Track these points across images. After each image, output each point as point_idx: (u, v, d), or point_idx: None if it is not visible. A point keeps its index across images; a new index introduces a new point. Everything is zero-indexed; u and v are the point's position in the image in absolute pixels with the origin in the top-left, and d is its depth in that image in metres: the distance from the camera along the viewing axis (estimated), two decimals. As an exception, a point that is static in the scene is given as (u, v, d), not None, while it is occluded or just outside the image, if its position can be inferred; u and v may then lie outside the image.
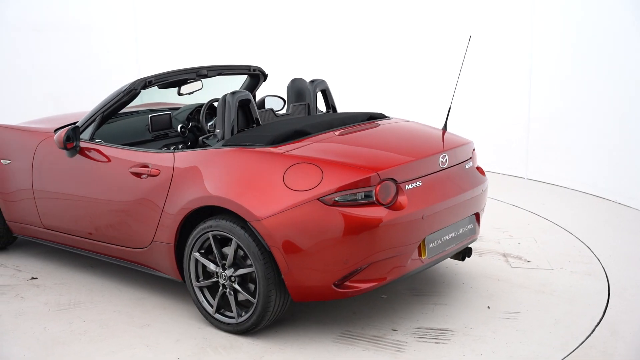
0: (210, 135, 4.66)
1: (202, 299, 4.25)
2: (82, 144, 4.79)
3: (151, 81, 4.77)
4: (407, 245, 3.93)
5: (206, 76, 5.18)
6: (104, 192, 4.64)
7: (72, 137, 4.71)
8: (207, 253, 4.21)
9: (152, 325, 4.29)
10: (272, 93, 5.61)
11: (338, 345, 4.00)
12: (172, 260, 4.36)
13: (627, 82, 6.76)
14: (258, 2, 9.79)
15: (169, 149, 5.02)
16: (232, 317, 4.13)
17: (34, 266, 5.32)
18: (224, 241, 4.12)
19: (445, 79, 7.58)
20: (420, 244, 4.03)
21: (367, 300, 4.56)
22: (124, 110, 5.74)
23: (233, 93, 4.45)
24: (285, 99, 5.34)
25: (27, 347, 4.04)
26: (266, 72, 5.71)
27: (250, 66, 5.57)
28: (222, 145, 4.28)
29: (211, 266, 4.15)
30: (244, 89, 5.84)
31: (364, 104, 8.45)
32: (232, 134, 4.40)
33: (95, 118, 4.80)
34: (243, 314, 4.08)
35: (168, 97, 5.83)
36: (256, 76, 5.72)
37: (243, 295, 4.07)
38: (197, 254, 4.19)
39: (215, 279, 4.16)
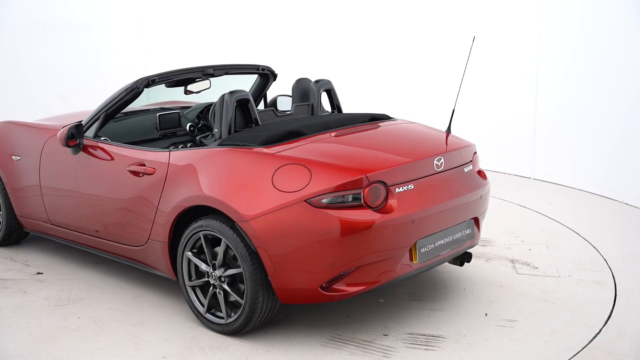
0: (209, 135, 4.66)
1: (194, 298, 4.25)
2: (85, 142, 4.84)
3: (154, 80, 4.79)
4: (396, 249, 3.86)
5: (213, 75, 5.18)
6: (104, 189, 4.67)
7: (74, 135, 4.76)
8: (200, 253, 4.20)
9: (144, 324, 4.31)
10: (283, 93, 5.60)
11: (325, 348, 3.95)
12: (166, 259, 4.37)
13: (633, 82, 6.66)
14: (268, 3, 9.80)
15: (177, 147, 5.03)
16: (222, 318, 4.11)
17: (41, 261, 5.40)
18: (215, 241, 4.11)
19: (454, 80, 7.33)
20: (411, 249, 3.95)
21: (362, 304, 4.50)
22: (136, 108, 5.81)
23: (231, 92, 4.44)
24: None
25: (19, 341, 4.09)
26: (276, 72, 5.68)
27: (259, 66, 5.55)
28: (218, 145, 4.27)
29: (202, 266, 4.14)
30: (255, 88, 5.83)
31: (372, 105, 8.42)
32: (229, 133, 4.39)
33: (99, 116, 4.85)
34: (232, 314, 4.06)
35: (184, 96, 5.84)
36: (266, 76, 5.70)
37: (232, 296, 4.05)
38: (189, 254, 4.19)
39: (206, 279, 4.15)
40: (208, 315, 4.18)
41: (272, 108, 4.93)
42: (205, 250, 4.10)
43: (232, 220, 3.93)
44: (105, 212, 4.69)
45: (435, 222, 4.04)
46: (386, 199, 3.84)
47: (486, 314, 4.35)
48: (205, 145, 4.52)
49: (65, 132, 4.74)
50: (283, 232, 3.76)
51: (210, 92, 5.67)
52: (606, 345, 3.92)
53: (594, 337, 4.03)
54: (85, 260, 5.39)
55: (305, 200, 3.74)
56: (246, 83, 5.85)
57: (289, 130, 4.25)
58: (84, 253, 5.49)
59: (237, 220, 3.87)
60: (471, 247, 4.48)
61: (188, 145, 4.96)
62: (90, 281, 4.99)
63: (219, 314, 4.16)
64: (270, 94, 5.88)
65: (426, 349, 3.93)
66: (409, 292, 4.69)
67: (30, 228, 5.47)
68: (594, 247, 5.52)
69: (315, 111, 5.05)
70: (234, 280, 4.06)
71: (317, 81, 5.07)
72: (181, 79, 5.05)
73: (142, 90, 4.75)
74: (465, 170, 4.35)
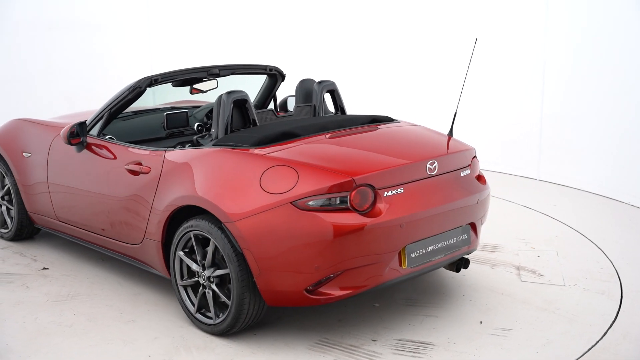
0: (206, 135, 4.67)
1: (185, 297, 4.26)
2: (89, 140, 4.89)
3: (157, 79, 4.82)
4: (383, 253, 3.80)
5: (218, 75, 5.18)
6: (104, 187, 4.72)
7: (78, 133, 4.81)
8: (191, 252, 4.21)
9: (136, 322, 4.33)
10: (293, 94, 5.57)
11: (311, 352, 3.92)
12: (160, 258, 4.39)
13: (639, 83, 6.61)
14: (277, 4, 9.82)
15: (184, 147, 5.05)
16: (211, 318, 4.11)
17: (49, 257, 5.48)
18: (205, 241, 4.11)
19: (461, 82, 7.37)
20: (400, 253, 3.89)
21: (357, 308, 4.45)
22: (147, 107, 5.87)
23: (229, 93, 4.44)
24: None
25: (12, 335, 4.16)
26: (284, 73, 5.66)
27: (266, 66, 5.54)
28: (212, 145, 4.27)
29: (193, 266, 4.14)
30: (264, 89, 5.83)
31: (379, 107, 8.42)
32: (225, 133, 4.38)
33: (103, 115, 4.89)
34: (221, 315, 4.05)
35: (198, 96, 5.86)
36: (274, 76, 5.69)
37: (221, 297, 4.04)
38: (181, 253, 4.20)
39: (196, 279, 4.16)
40: (198, 315, 4.18)
41: (272, 109, 4.91)
42: (196, 250, 4.11)
43: (220, 221, 3.92)
44: (105, 209, 4.74)
45: (426, 226, 3.97)
46: (374, 202, 3.78)
47: (481, 322, 4.26)
48: (202, 145, 4.53)
49: (67, 130, 4.80)
50: (268, 233, 3.74)
51: (219, 91, 5.68)
52: (612, 347, 3.85)
53: (588, 350, 3.91)
54: (91, 257, 5.45)
55: (291, 202, 3.71)
56: (255, 83, 5.85)
57: (282, 132, 4.23)
58: (90, 250, 5.55)
59: (223, 221, 3.86)
60: (468, 253, 4.39)
61: (187, 146, 4.97)
62: (92, 278, 5.05)
63: (209, 314, 4.16)
64: (280, 95, 5.86)
65: (413, 356, 3.86)
66: (406, 297, 4.62)
67: (40, 224, 5.55)
68: (605, 255, 5.36)
69: (318, 112, 5.01)
70: (223, 281, 4.05)
71: (320, 82, 5.04)
72: (187, 78, 5.07)
73: (145, 90, 4.78)
74: (462, 175, 4.26)
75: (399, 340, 4.04)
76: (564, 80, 7.52)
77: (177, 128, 5.37)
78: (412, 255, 3.92)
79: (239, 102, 4.45)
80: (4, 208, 5.81)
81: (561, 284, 4.83)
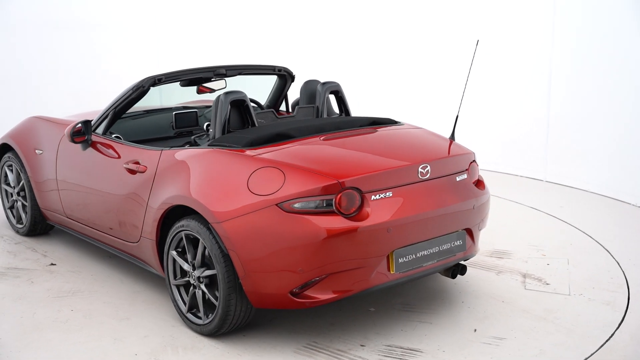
0: (204, 135, 4.67)
1: (177, 297, 4.27)
2: (94, 138, 4.95)
3: (161, 79, 4.85)
4: (370, 258, 3.75)
5: (225, 75, 5.19)
6: (106, 185, 4.77)
7: (82, 131, 4.87)
8: (184, 252, 4.22)
9: (130, 319, 4.36)
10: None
11: (297, 355, 3.89)
12: (155, 257, 4.41)
13: None
14: (289, 6, 9.85)
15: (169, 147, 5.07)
16: (201, 318, 4.11)
17: (59, 253, 5.56)
18: (196, 241, 4.11)
19: (470, 84, 7.51)
20: (388, 258, 3.83)
21: (351, 312, 4.40)
22: (159, 107, 5.91)
23: (227, 93, 4.43)
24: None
25: (8, 330, 4.23)
26: (293, 74, 5.64)
27: (275, 67, 5.53)
28: (207, 145, 4.28)
29: (184, 265, 4.15)
30: (274, 90, 5.82)
31: (389, 109, 8.46)
32: (222, 134, 4.38)
33: (108, 114, 4.95)
34: (209, 315, 4.05)
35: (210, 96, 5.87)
36: (283, 77, 5.67)
37: (210, 297, 4.04)
38: (173, 253, 4.21)
39: (188, 278, 4.17)
40: (189, 315, 4.19)
41: (272, 109, 4.89)
42: (187, 250, 4.12)
43: (207, 221, 3.92)
44: (107, 207, 4.79)
45: (416, 231, 3.89)
46: (361, 206, 3.73)
47: (475, 330, 4.17)
48: (199, 145, 4.54)
49: (70, 128, 4.87)
50: (253, 235, 3.73)
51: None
52: (620, 349, 3.77)
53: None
54: (98, 254, 5.51)
55: (276, 204, 3.69)
56: (268, 84, 5.85)
57: (276, 133, 4.21)
58: (98, 247, 5.60)
59: (210, 222, 3.86)
60: (465, 259, 4.30)
61: (186, 146, 4.99)
62: (96, 274, 5.10)
63: (199, 314, 4.16)
64: (292, 96, 5.84)
65: (398, 363, 3.80)
66: (403, 302, 4.56)
67: (51, 220, 5.65)
68: (618, 264, 5.20)
69: (321, 113, 4.97)
70: (213, 282, 4.04)
71: (324, 83, 5.00)
72: (195, 78, 5.09)
73: (148, 89, 4.81)
74: (457, 179, 4.18)
75: (388, 346, 3.98)
76: (570, 81, 7.52)
77: (186, 128, 5.39)
78: (400, 260, 3.86)
79: (237, 102, 4.44)
80: (19, 204, 5.92)
81: (566, 293, 4.69)
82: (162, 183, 4.25)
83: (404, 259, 3.87)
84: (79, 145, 5.03)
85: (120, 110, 4.93)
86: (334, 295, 3.77)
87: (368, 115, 5.74)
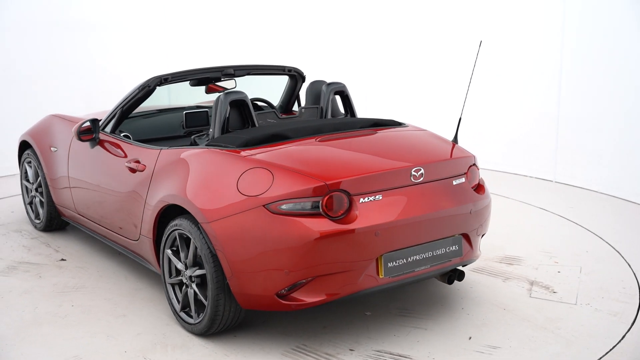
0: (204, 134, 4.68)
1: (172, 295, 4.28)
2: (101, 137, 5.01)
3: (167, 78, 4.87)
4: (357, 261, 3.69)
5: (233, 75, 5.20)
6: (110, 183, 4.82)
7: (89, 130, 4.94)
8: (178, 251, 4.22)
9: (126, 317, 4.40)
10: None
11: (284, 358, 3.86)
12: (153, 255, 4.44)
13: None
14: (302, 8, 9.88)
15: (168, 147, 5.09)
16: (193, 317, 4.12)
17: (71, 249, 5.65)
18: (189, 240, 4.12)
19: (481, 85, 7.95)
20: (377, 262, 3.77)
21: (346, 315, 4.35)
22: (173, 106, 5.95)
23: (227, 93, 4.43)
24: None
25: (7, 323, 4.30)
26: (304, 74, 5.61)
27: (285, 67, 5.51)
28: (205, 145, 4.28)
29: (178, 264, 4.16)
30: (286, 90, 5.80)
31: (399, 110, 8.64)
32: (222, 134, 4.38)
33: (116, 113, 5.00)
34: (200, 315, 4.05)
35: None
36: (294, 77, 5.65)
37: (200, 297, 4.04)
38: (168, 251, 4.23)
39: (180, 277, 4.18)
40: (182, 314, 4.20)
41: (274, 110, 4.87)
42: (180, 249, 4.13)
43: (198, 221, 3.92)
44: (111, 205, 4.84)
45: (407, 235, 3.82)
46: (350, 209, 3.68)
47: (470, 338, 4.07)
48: (198, 145, 4.55)
49: (78, 126, 4.93)
50: (240, 236, 3.71)
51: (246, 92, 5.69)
52: (629, 351, 3.68)
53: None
54: (108, 250, 5.58)
55: (263, 205, 3.67)
56: (280, 84, 5.84)
57: (272, 133, 4.19)
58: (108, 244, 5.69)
59: (200, 221, 3.86)
60: (463, 264, 4.21)
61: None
62: (102, 271, 5.16)
63: (192, 313, 4.17)
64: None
65: (385, 369, 3.74)
66: (401, 307, 4.48)
67: (65, 216, 5.74)
68: (634, 274, 5.02)
69: (325, 114, 4.93)
70: (204, 281, 4.04)
71: (329, 84, 4.96)
72: (205, 77, 5.11)
73: (154, 89, 4.84)
74: (454, 183, 4.08)
75: (378, 351, 3.92)
76: (580, 81, 7.48)
77: (196, 127, 5.40)
78: (390, 264, 3.79)
79: (237, 102, 4.44)
80: (37, 200, 6.04)
81: (572, 302, 4.55)
82: (159, 182, 4.28)
83: (394, 263, 3.81)
84: (87, 143, 5.09)
85: (127, 110, 4.98)
86: (321, 298, 3.73)
87: (374, 116, 5.67)
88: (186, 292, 4.14)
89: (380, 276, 3.79)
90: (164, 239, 4.24)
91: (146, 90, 4.82)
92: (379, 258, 3.76)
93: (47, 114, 6.16)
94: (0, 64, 8.21)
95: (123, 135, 5.05)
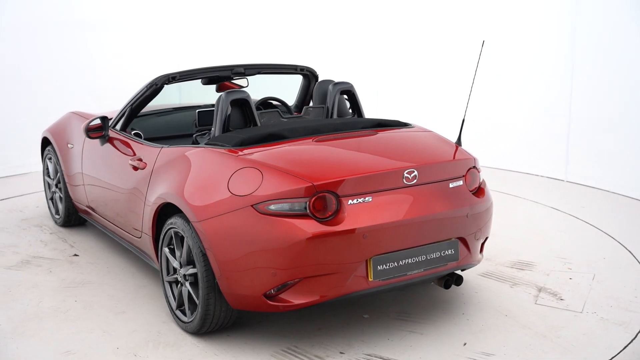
0: (206, 133, 4.69)
1: (169, 293, 4.31)
2: (110, 134, 5.07)
3: (175, 77, 4.90)
4: (344, 264, 3.65)
5: (244, 74, 5.20)
6: (117, 180, 4.88)
7: (99, 128, 5.00)
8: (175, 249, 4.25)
9: (126, 313, 4.44)
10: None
11: (272, 359, 3.84)
12: (153, 253, 4.47)
13: None
14: (315, 8, 9.88)
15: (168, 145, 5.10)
16: (187, 316, 4.14)
17: (86, 244, 5.74)
18: (183, 239, 4.13)
19: (494, 83, 8.20)
20: (366, 265, 3.71)
21: (343, 317, 4.31)
22: (188, 104, 5.99)
23: (228, 92, 4.43)
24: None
25: (10, 317, 4.39)
26: (317, 73, 5.57)
27: (297, 66, 5.49)
28: (204, 144, 4.29)
29: (174, 263, 4.18)
30: (300, 90, 5.78)
31: (411, 111, 8.69)
32: (222, 133, 4.39)
33: (125, 111, 5.06)
34: (193, 314, 4.06)
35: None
36: (307, 77, 5.62)
37: (193, 296, 4.06)
38: (166, 249, 4.25)
39: (176, 275, 4.20)
40: (177, 312, 4.22)
41: (278, 109, 4.85)
42: (175, 248, 4.15)
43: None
44: (117, 201, 4.90)
45: (397, 238, 3.76)
46: (338, 210, 3.64)
47: (465, 344, 3.99)
48: (198, 143, 4.56)
49: (87, 123, 5.00)
50: (229, 235, 3.71)
51: (260, 90, 5.70)
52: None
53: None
54: (121, 246, 5.64)
55: (252, 205, 3.66)
56: (294, 83, 5.82)
57: (268, 133, 4.17)
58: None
59: (191, 220, 3.88)
60: (459, 269, 4.12)
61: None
62: (111, 267, 5.23)
63: (186, 311, 4.18)
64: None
65: (372, 373, 3.69)
66: (400, 310, 4.42)
67: (80, 212, 5.83)
68: (649, 283, 4.86)
69: (331, 114, 4.89)
70: (197, 280, 4.05)
71: (335, 83, 4.91)
72: (214, 76, 5.13)
73: (162, 87, 4.88)
74: (451, 186, 4.00)
75: (368, 355, 3.87)
76: (592, 80, 7.44)
77: (208, 125, 5.42)
78: (379, 267, 3.73)
79: (239, 101, 4.43)
80: (57, 195, 6.15)
81: (578, 310, 4.42)
82: (157, 180, 4.31)
83: (384, 266, 3.75)
84: (98, 141, 5.17)
85: (136, 108, 5.03)
86: (309, 300, 3.70)
87: (384, 116, 5.60)
88: (180, 291, 4.16)
89: (370, 279, 3.74)
90: (161, 236, 4.27)
91: (154, 88, 4.86)
92: (368, 261, 3.71)
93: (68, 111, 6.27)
94: (36, 59, 8.40)
95: (134, 133, 5.11)
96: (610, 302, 4.54)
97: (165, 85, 4.90)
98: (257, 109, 5.26)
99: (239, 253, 3.68)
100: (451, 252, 3.99)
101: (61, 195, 6.07)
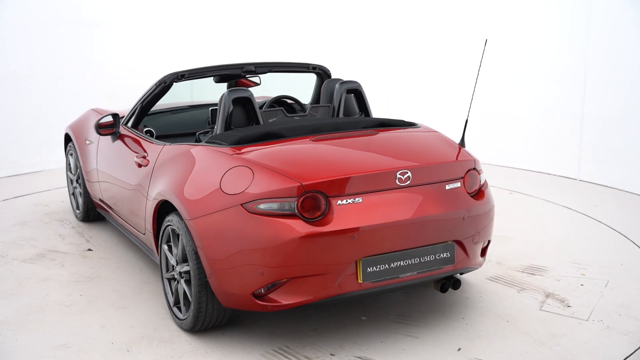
0: (209, 131, 4.70)
1: (168, 290, 4.33)
2: (121, 131, 5.14)
3: (184, 75, 4.93)
4: (332, 265, 3.61)
5: (255, 72, 5.20)
6: (124, 176, 4.94)
7: (109, 124, 5.07)
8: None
9: (127, 309, 4.49)
10: None
11: (262, 359, 3.83)
12: (155, 249, 4.51)
13: None
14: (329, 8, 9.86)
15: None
16: (182, 313, 4.16)
17: (101, 239, 5.83)
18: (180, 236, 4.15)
19: (507, 82, 8.28)
20: (356, 267, 3.67)
21: (340, 319, 4.27)
22: (204, 102, 6.03)
23: (230, 91, 4.44)
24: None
25: (16, 309, 4.49)
26: (329, 72, 5.54)
27: (309, 64, 5.46)
28: (205, 142, 4.31)
29: (171, 260, 4.21)
30: (315, 88, 5.74)
31: (422, 110, 8.77)
32: (224, 131, 4.40)
33: (136, 108, 5.11)
34: (188, 311, 4.08)
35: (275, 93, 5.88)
36: (320, 75, 5.59)
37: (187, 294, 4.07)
38: (165, 246, 4.28)
39: (173, 272, 4.22)
40: (174, 309, 4.24)
41: (282, 108, 4.83)
42: (172, 245, 4.17)
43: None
44: (125, 198, 4.96)
45: (388, 240, 3.70)
46: (327, 211, 3.61)
47: (459, 349, 3.91)
48: (200, 141, 4.58)
49: (97, 120, 5.08)
50: (218, 234, 3.71)
51: (278, 89, 5.70)
52: None
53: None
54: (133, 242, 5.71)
55: (241, 204, 3.65)
56: (309, 81, 5.79)
57: (265, 132, 4.16)
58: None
59: (184, 218, 3.89)
60: (456, 272, 4.04)
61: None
62: (122, 262, 5.29)
63: (182, 309, 4.20)
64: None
65: (359, 376, 3.64)
66: (399, 313, 4.36)
67: (97, 207, 5.92)
68: (664, 291, 4.68)
69: (337, 113, 4.85)
70: (193, 278, 4.07)
71: (342, 82, 4.87)
72: (225, 74, 5.14)
73: (170, 85, 4.92)
74: (447, 188, 3.92)
75: (358, 357, 3.83)
76: (605, 78, 7.41)
77: None
78: (369, 269, 3.69)
79: (241, 100, 4.44)
80: (77, 190, 6.26)
81: (584, 318, 4.28)
82: (157, 177, 4.34)
83: (374, 268, 3.70)
84: (110, 137, 5.24)
85: (146, 105, 5.08)
86: (297, 301, 3.67)
87: (395, 116, 5.53)
88: (177, 288, 4.18)
89: (360, 281, 3.69)
90: (160, 234, 4.30)
91: (162, 86, 4.90)
92: (358, 262, 3.66)
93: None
94: (62, 56, 8.61)
95: (146, 131, 5.16)
96: (619, 311, 4.39)
97: (175, 83, 4.93)
98: (272, 107, 5.26)
99: (228, 251, 3.68)
100: (447, 255, 3.91)
101: (81, 191, 6.17)
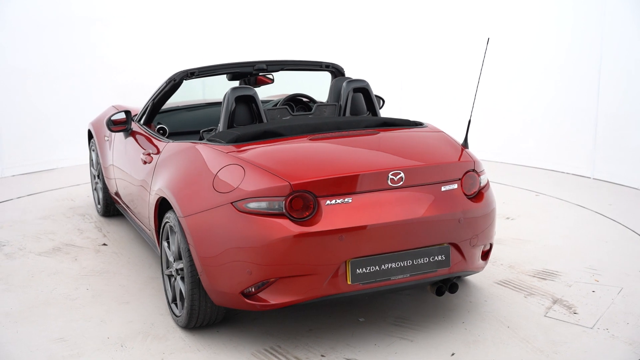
0: (213, 129, 4.71)
1: (167, 287, 4.36)
2: (133, 127, 5.20)
3: (194, 72, 4.95)
4: (319, 265, 3.58)
5: (266, 70, 5.20)
6: (133, 172, 5.00)
7: (121, 121, 5.14)
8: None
9: (130, 304, 4.53)
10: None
11: (252, 358, 3.82)
12: (157, 245, 4.54)
13: None
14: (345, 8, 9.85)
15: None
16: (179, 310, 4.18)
17: (118, 234, 5.91)
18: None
19: (520, 80, 8.31)
20: (345, 268, 3.63)
21: (338, 320, 4.23)
22: (220, 100, 6.04)
23: (233, 89, 4.44)
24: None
25: (22, 301, 4.58)
26: (343, 70, 5.49)
27: (322, 63, 5.42)
28: (207, 140, 4.32)
29: (169, 257, 4.23)
30: (330, 87, 5.70)
31: (435, 110, 8.82)
32: (226, 129, 4.40)
33: (148, 105, 5.16)
34: (183, 308, 4.10)
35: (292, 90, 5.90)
36: (334, 74, 5.54)
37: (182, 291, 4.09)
38: (164, 243, 4.31)
39: (171, 269, 4.25)
40: (172, 306, 4.26)
41: (286, 106, 4.80)
42: (170, 242, 4.19)
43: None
44: (134, 194, 5.01)
45: (379, 241, 3.64)
46: (316, 211, 3.58)
47: (453, 354, 3.82)
48: (203, 139, 4.59)
49: (109, 116, 5.14)
50: (209, 232, 3.72)
51: (294, 86, 5.68)
52: None
53: None
54: (148, 238, 5.77)
55: (231, 203, 3.64)
56: (324, 80, 5.76)
57: (263, 130, 4.14)
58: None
59: (178, 215, 3.91)
60: (453, 276, 3.95)
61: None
62: (133, 258, 5.35)
63: (179, 305, 4.22)
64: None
65: (345, 379, 3.60)
66: (399, 315, 4.29)
67: (115, 202, 6.00)
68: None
69: (344, 112, 4.80)
70: (190, 275, 4.08)
71: (350, 81, 4.82)
72: (238, 72, 5.15)
73: (180, 82, 4.95)
74: (443, 189, 3.84)
75: (348, 359, 3.78)
76: (620, 77, 7.38)
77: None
78: (358, 271, 3.63)
79: (245, 98, 4.43)
80: (99, 185, 6.36)
81: (589, 326, 4.15)
82: (158, 174, 4.37)
83: (363, 270, 3.64)
84: (123, 134, 5.30)
85: (157, 102, 5.12)
86: (285, 300, 3.65)
87: (405, 116, 5.45)
88: (174, 285, 4.20)
89: (349, 282, 3.64)
90: (161, 230, 4.33)
91: (172, 84, 4.93)
92: (347, 263, 3.62)
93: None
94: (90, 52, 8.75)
95: (159, 128, 5.21)
96: (628, 319, 4.23)
97: (185, 81, 4.96)
98: (286, 104, 5.24)
99: (217, 250, 3.68)
100: (442, 258, 3.83)
101: (101, 186, 6.27)
